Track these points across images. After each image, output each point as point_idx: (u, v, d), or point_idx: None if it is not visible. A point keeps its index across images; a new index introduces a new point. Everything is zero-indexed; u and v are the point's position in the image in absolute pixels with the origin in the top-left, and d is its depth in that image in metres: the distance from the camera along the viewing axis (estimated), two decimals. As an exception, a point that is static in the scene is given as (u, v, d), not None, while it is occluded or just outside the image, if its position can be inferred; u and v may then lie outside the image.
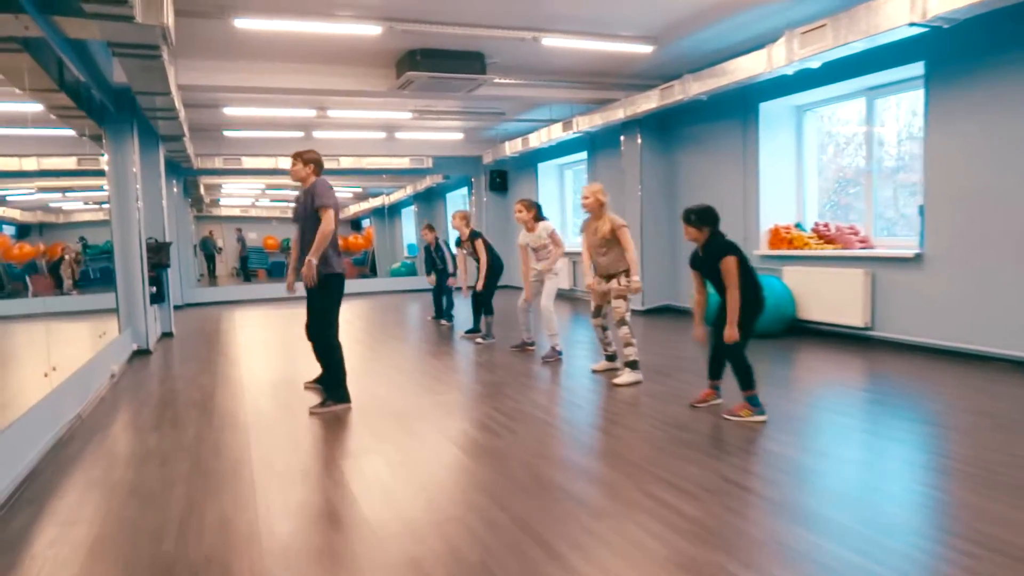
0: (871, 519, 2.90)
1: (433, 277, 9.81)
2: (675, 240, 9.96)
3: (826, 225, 7.96)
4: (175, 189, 13.45)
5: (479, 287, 7.92)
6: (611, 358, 6.06)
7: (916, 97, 6.96)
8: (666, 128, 9.95)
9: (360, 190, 24.27)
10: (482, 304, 8.03)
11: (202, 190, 19.92)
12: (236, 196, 25.15)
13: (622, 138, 10.17)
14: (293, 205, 5.24)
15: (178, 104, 7.43)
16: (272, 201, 26.92)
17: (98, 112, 7.14)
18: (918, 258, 6.46)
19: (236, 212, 28.09)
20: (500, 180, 15.48)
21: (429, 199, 20.23)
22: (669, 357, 6.62)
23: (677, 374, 5.84)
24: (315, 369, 5.47)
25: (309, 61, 8.06)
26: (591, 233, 5.71)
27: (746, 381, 4.42)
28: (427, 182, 18.25)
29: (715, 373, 4.72)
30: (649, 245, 9.92)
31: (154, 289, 8.70)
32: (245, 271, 25.31)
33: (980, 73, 5.88)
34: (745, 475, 3.47)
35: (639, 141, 9.83)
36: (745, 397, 4.43)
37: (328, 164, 14.29)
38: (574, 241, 13.59)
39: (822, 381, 5.63)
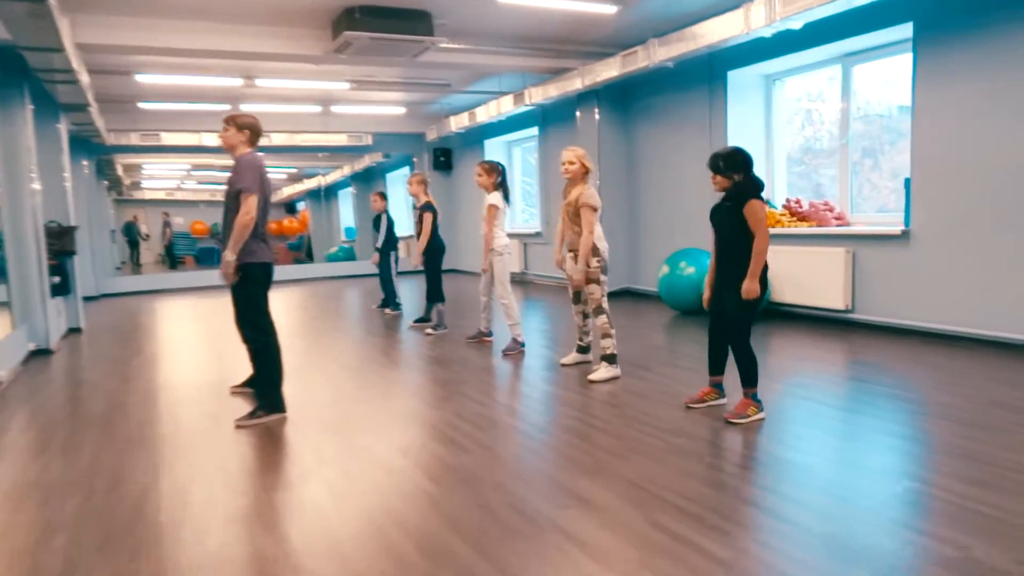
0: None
1: (377, 256, 8.84)
2: (635, 219, 9.40)
3: (798, 201, 7.50)
4: (85, 169, 12.20)
5: (414, 262, 7.23)
6: (583, 350, 5.43)
7: (898, 64, 6.52)
8: (626, 100, 9.34)
9: (295, 170, 23.04)
10: (430, 290, 7.29)
11: (120, 170, 18.40)
12: (160, 178, 23.57)
13: (578, 111, 9.52)
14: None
15: (76, 65, 6.42)
16: (200, 183, 25.42)
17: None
18: (905, 235, 6.02)
19: (161, 195, 26.46)
20: (444, 159, 14.69)
21: (368, 179, 19.22)
22: (642, 347, 6.04)
23: (656, 367, 5.25)
24: (247, 369, 4.66)
25: (232, 20, 7.14)
26: (567, 202, 5.06)
27: (751, 374, 3.84)
28: (366, 161, 17.29)
29: (718, 367, 4.11)
30: (607, 225, 9.28)
31: (57, 279, 7.66)
32: (171, 258, 23.81)
33: (974, 34, 5.43)
34: (770, 496, 2.88)
35: (597, 114, 9.20)
36: (749, 394, 3.86)
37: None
38: (525, 225, 12.94)
39: (808, 370, 5.12)
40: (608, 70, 8.07)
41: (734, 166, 3.76)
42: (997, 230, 5.38)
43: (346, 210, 21.90)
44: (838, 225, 6.95)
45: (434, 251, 7.26)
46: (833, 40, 6.53)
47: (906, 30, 5.97)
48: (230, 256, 4.03)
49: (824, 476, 3.10)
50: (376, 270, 8.99)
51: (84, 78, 7.16)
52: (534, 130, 11.69)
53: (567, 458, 3.46)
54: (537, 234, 11.75)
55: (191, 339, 7.80)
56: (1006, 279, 5.35)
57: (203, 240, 25.51)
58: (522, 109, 10.29)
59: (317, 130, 13.36)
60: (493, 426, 3.96)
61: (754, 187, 3.73)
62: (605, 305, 4.97)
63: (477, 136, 13.27)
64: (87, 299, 11.65)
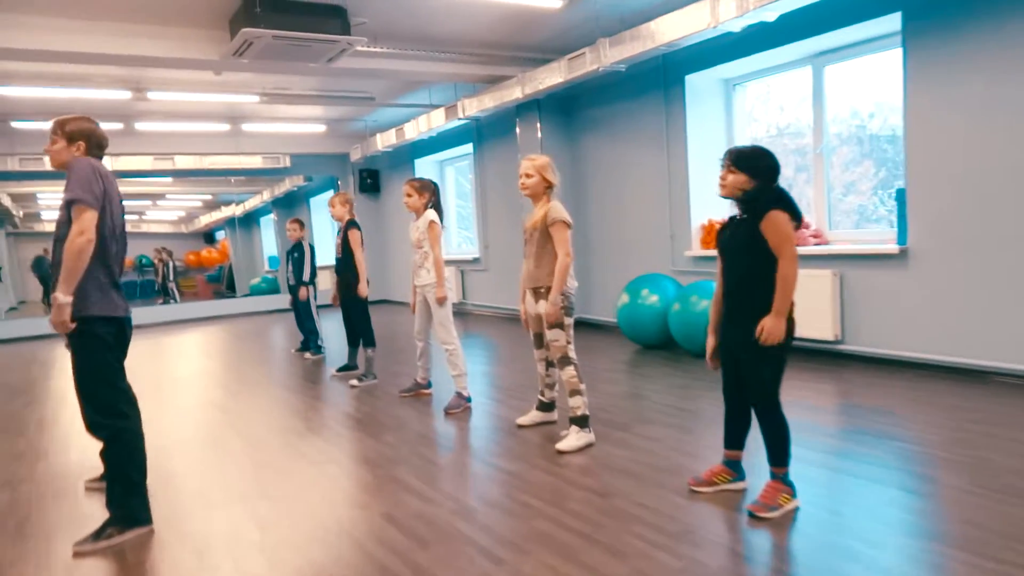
0: None
1: (307, 290, 7.67)
2: (584, 242, 8.51)
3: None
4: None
5: (362, 289, 6.04)
6: (546, 407, 4.44)
7: (875, 62, 5.84)
8: (571, 110, 8.48)
9: (210, 198, 21.49)
10: (357, 330, 6.18)
11: (6, 200, 16.54)
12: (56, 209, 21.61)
13: (518, 124, 8.60)
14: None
15: None
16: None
17: None
18: (903, 254, 5.28)
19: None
20: (371, 180, 13.56)
21: (290, 204, 17.84)
22: (609, 395, 5.08)
23: (634, 425, 4.30)
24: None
25: (112, 17, 5.95)
26: (530, 224, 4.09)
27: (782, 449, 2.91)
28: (287, 185, 15.98)
29: (735, 439, 3.15)
30: (555, 249, 8.40)
31: None
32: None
33: (972, 24, 4.74)
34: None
35: (539, 126, 8.30)
36: (779, 475, 2.93)
37: (160, 164, 12.09)
38: (460, 251, 11.94)
39: (809, 419, 4.26)
40: (552, 76, 7.18)
41: (753, 167, 2.85)
42: (1008, 246, 4.67)
43: (268, 238, 20.45)
44: (816, 244, 6.19)
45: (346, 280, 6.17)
46: (803, 37, 5.80)
47: (890, 22, 5.28)
48: (62, 297, 2.88)
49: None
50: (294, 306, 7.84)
51: None
52: (468, 147, 10.73)
53: (547, 593, 2.43)
54: (475, 260, 10.76)
55: (68, 402, 6.45)
56: (1021, 302, 4.63)
57: (125, 273, 23.57)
58: (455, 123, 9.31)
59: (228, 152, 12.05)
60: (439, 538, 2.90)
61: (775, 196, 2.83)
62: (572, 354, 4.00)
63: (406, 155, 12.24)
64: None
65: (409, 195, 5.02)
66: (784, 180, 3.01)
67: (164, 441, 4.53)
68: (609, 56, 6.43)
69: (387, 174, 13.38)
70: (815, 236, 6.29)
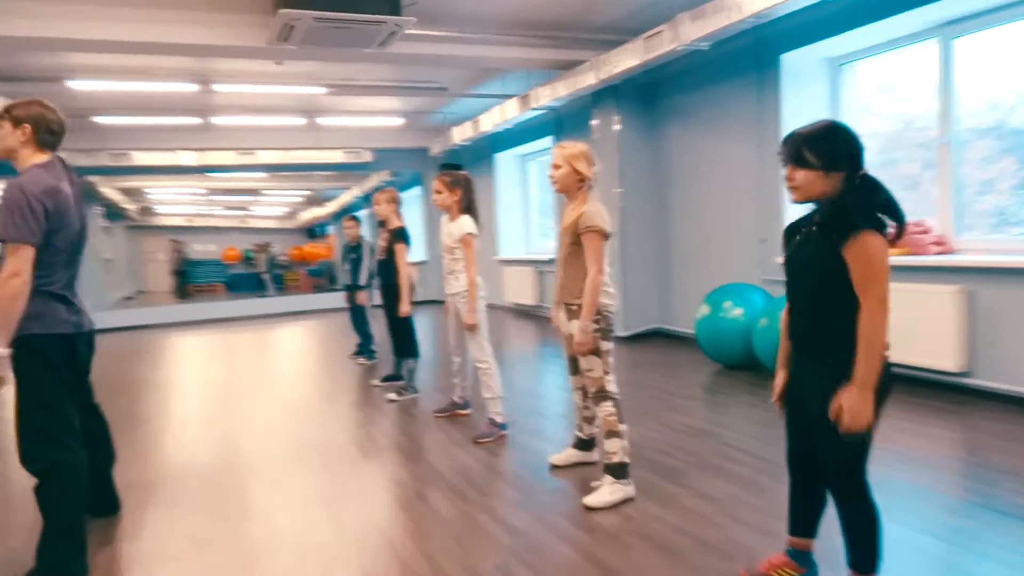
0: None
1: (365, 295, 7.27)
2: (665, 246, 7.67)
3: (878, 221, 5.69)
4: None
5: (403, 309, 5.39)
6: (584, 445, 3.73)
7: (1019, 32, 4.73)
8: (652, 98, 7.64)
9: (310, 193, 21.80)
10: (400, 339, 5.64)
11: (116, 194, 17.23)
12: (174, 203, 22.57)
13: (594, 115, 7.84)
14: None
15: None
16: (227, 208, 24.50)
17: None
18: (1055, 270, 4.20)
19: (180, 221, 25.60)
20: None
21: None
22: (671, 429, 4.29)
23: (693, 474, 3.50)
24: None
25: (158, 4, 5.68)
26: (563, 227, 3.40)
27: (868, 549, 2.08)
28: (373, 181, 15.82)
29: (803, 523, 2.32)
30: (631, 253, 7.61)
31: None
32: (182, 287, 22.63)
33: None
34: None
35: (617, 116, 7.51)
36: (859, 584, 2.11)
37: (243, 159, 12.08)
38: (536, 248, 11.28)
39: (934, 484, 3.32)
40: (627, 59, 6.39)
41: (829, 154, 2.01)
42: None
43: (364, 233, 20.54)
44: (940, 253, 5.13)
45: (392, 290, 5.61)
46: (928, 1, 4.77)
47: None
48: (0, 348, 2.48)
49: None
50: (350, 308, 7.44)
51: None
52: (549, 139, 10.04)
53: None
54: (552, 261, 10.06)
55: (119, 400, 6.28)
56: None
57: (234, 267, 24.44)
58: (530, 114, 8.67)
59: (309, 146, 11.90)
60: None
61: (870, 206, 1.99)
62: (610, 387, 3.26)
63: (487, 149, 11.69)
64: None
65: (439, 191, 4.41)
66: (907, 179, 2.17)
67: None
68: (690, 32, 5.58)
69: (470, 169, 12.84)
70: (937, 243, 5.21)
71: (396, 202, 5.82)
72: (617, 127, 7.51)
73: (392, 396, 5.44)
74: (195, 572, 2.74)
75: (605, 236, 3.20)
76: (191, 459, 4.22)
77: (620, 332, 7.62)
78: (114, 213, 20.49)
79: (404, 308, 5.32)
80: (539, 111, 8.51)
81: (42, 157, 2.74)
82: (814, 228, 2.06)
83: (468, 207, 4.41)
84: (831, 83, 6.09)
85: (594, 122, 7.84)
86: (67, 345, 2.74)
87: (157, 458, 4.25)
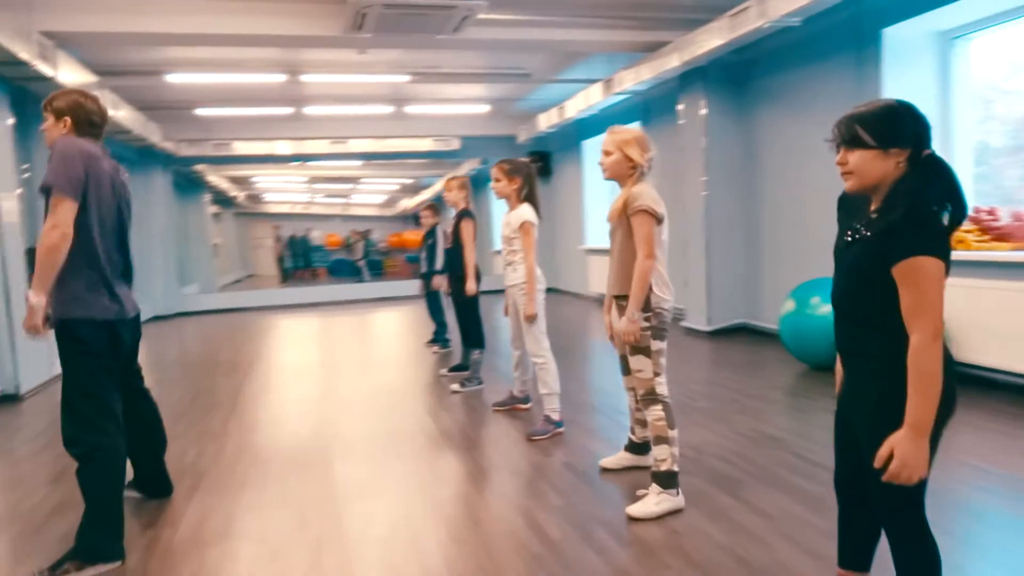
0: None
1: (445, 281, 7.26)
2: (755, 236, 7.24)
3: (991, 212, 5.12)
4: (159, 181, 11.52)
5: (468, 287, 5.28)
6: (637, 448, 3.52)
7: None
8: (742, 82, 7.20)
9: (410, 182, 22.20)
10: (466, 328, 5.56)
11: (221, 182, 18.07)
12: (279, 191, 23.57)
13: (681, 99, 7.49)
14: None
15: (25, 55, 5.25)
16: (329, 197, 25.42)
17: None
18: None
19: (286, 208, 26.78)
20: (543, 164, 12.95)
21: (476, 187, 17.83)
22: (737, 435, 4.00)
23: (750, 486, 3.23)
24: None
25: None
26: (609, 213, 3.22)
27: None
28: (464, 168, 15.86)
29: (854, 556, 2.03)
30: (716, 243, 7.23)
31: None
32: (283, 272, 23.62)
33: None
34: None
35: (704, 100, 7.13)
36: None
37: (336, 147, 12.38)
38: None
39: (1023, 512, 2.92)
40: (712, 38, 6.03)
41: (889, 130, 1.72)
42: None
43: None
44: (1056, 247, 4.56)
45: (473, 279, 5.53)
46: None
47: None
48: (33, 297, 2.56)
49: None
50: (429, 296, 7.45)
51: (45, 68, 6.00)
52: (637, 126, 9.70)
53: None
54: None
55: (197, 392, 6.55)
56: None
57: (336, 252, 25.36)
58: (614, 99, 8.41)
59: (398, 134, 12.06)
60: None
61: (929, 216, 1.66)
62: (661, 390, 3.05)
63: (574, 136, 11.46)
64: (156, 318, 11.05)
65: (497, 179, 4.28)
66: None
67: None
68: (778, 7, 5.20)
69: (559, 157, 12.69)
70: (1057, 237, 4.63)
71: (467, 188, 5.73)
72: (704, 111, 7.13)
73: (455, 387, 5.38)
74: (226, 557, 2.76)
75: (657, 219, 2.97)
76: (255, 442, 4.30)
77: (703, 326, 7.28)
78: (224, 200, 21.60)
79: (469, 286, 5.23)
80: (623, 96, 8.21)
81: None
82: (863, 235, 1.78)
83: (529, 196, 4.26)
84: (941, 60, 5.52)
85: (680, 107, 7.49)
86: (109, 331, 2.80)
87: (229, 439, 4.36)
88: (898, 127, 1.72)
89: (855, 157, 1.76)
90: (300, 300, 13.34)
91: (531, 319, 4.17)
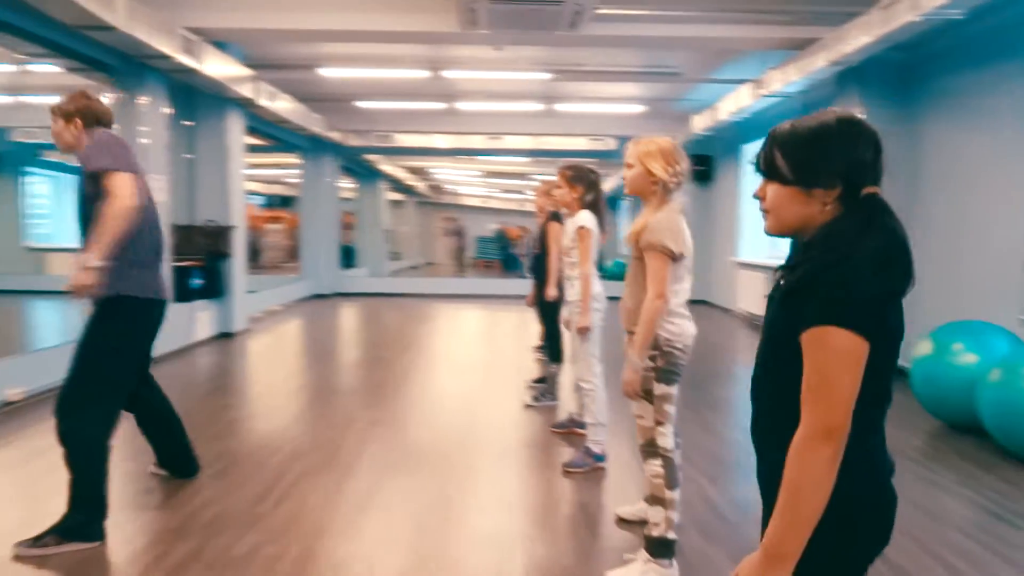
0: None
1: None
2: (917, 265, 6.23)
3: None
4: (327, 168, 12.31)
5: (549, 292, 4.91)
6: (656, 501, 3.10)
7: None
8: (904, 82, 6.22)
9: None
10: (548, 339, 5.28)
11: (399, 172, 19.00)
12: (458, 183, 24.47)
13: (837, 102, 6.60)
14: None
15: (170, 51, 5.71)
16: (503, 192, 26.08)
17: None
18: None
19: (470, 201, 27.82)
20: (703, 168, 12.19)
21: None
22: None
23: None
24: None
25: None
26: (628, 234, 2.85)
27: None
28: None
29: None
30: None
31: (200, 282, 7.38)
32: (459, 262, 24.46)
33: None
34: None
35: (859, 104, 6.24)
36: None
37: (490, 143, 12.51)
38: (760, 256, 10.01)
39: None
40: (859, 35, 5.24)
41: (809, 161, 1.26)
42: None
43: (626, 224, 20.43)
44: None
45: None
46: None
47: None
48: (94, 260, 2.65)
49: None
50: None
51: (188, 61, 6.37)
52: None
53: None
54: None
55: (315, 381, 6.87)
56: None
57: (514, 247, 25.97)
58: (764, 102, 7.65)
59: (553, 132, 11.95)
60: None
61: (851, 277, 1.18)
62: (664, 442, 2.63)
63: (734, 139, 10.65)
64: (316, 296, 11.87)
65: (559, 186, 3.98)
66: None
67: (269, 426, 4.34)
68: (933, -1, 4.37)
69: (720, 160, 11.89)
70: None
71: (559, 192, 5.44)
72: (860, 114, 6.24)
73: (529, 401, 5.15)
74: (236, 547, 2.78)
75: (672, 256, 2.55)
76: (299, 432, 4.38)
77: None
78: (406, 189, 22.75)
79: (551, 291, 4.94)
80: (774, 98, 7.45)
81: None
82: (781, 283, 1.33)
83: (591, 204, 3.92)
84: None
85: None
86: (156, 313, 2.95)
87: (320, 424, 4.48)
88: (822, 158, 1.26)
89: (772, 192, 1.32)
90: (455, 291, 13.69)
91: (582, 333, 3.83)
